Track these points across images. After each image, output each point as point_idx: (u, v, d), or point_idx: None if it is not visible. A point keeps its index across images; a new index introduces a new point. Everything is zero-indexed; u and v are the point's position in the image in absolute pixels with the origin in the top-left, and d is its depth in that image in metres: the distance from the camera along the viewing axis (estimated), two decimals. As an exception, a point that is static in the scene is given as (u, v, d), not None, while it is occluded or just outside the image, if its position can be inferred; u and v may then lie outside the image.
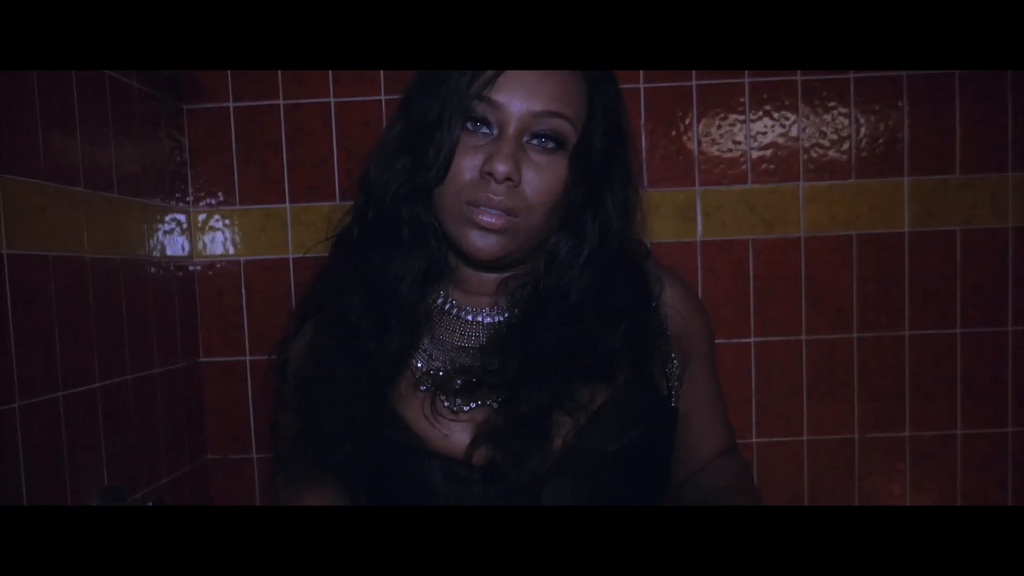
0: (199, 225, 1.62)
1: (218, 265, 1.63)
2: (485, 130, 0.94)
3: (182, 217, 1.58)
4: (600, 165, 0.96)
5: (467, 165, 0.93)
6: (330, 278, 1.01)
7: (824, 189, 1.59)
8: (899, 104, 1.57)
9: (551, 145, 0.94)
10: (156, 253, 1.47)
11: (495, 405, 0.94)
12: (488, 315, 0.99)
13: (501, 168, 0.91)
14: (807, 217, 1.59)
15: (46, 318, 1.12)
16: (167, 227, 1.52)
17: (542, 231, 0.96)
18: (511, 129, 0.93)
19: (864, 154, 1.58)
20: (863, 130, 1.58)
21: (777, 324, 1.61)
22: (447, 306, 1.00)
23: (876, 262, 1.60)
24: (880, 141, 1.58)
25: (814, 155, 1.59)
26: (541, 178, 0.94)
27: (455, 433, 0.94)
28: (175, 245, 1.55)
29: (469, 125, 0.94)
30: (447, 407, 0.95)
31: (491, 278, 1.00)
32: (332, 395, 0.93)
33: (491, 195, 0.92)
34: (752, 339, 1.60)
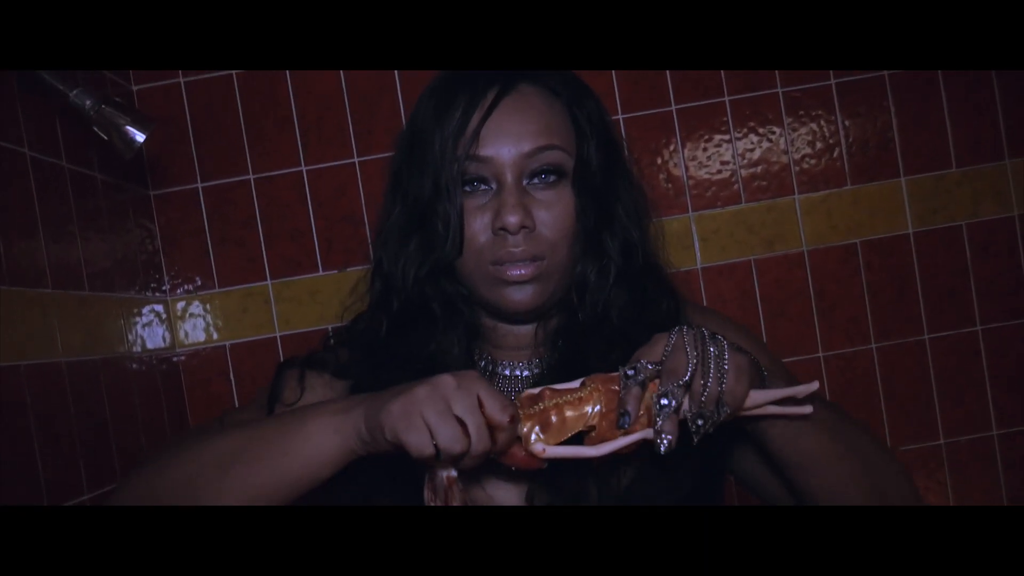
0: (178, 313, 1.55)
1: (202, 353, 1.55)
2: (484, 187, 0.93)
3: (160, 307, 1.51)
4: (603, 181, 0.95)
5: (478, 227, 0.92)
6: (356, 359, 0.98)
7: (821, 199, 1.54)
8: (885, 104, 1.54)
9: (552, 178, 0.93)
10: (137, 348, 1.40)
11: None
12: (532, 367, 0.98)
13: (512, 219, 0.90)
14: (807, 230, 1.54)
15: (24, 431, 1.03)
16: (145, 319, 1.45)
17: (570, 265, 0.95)
18: (508, 178, 0.92)
19: (857, 159, 1.54)
20: (852, 135, 1.54)
21: (791, 344, 1.54)
22: (485, 365, 0.98)
23: (885, 267, 1.54)
24: (871, 144, 1.54)
25: (806, 166, 1.55)
26: (553, 214, 0.92)
27: (506, 495, 0.91)
28: (155, 337, 1.48)
29: (467, 188, 0.93)
30: (493, 464, 0.91)
31: (527, 329, 0.98)
32: (380, 479, 0.90)
33: (511, 249, 0.91)
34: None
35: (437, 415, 0.75)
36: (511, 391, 0.98)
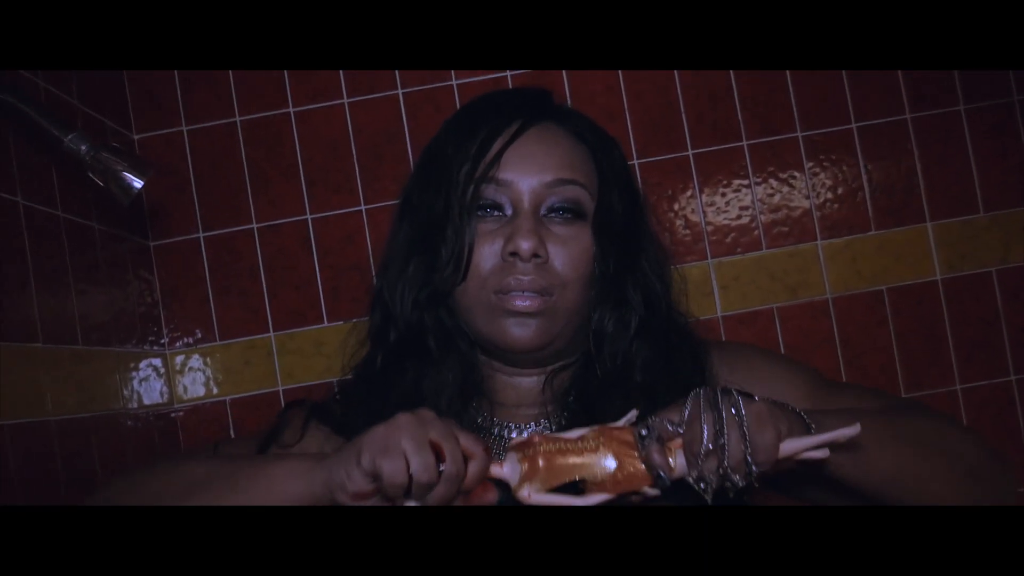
0: (177, 368, 1.49)
1: (202, 408, 1.49)
2: (497, 212, 0.88)
3: (158, 361, 1.45)
4: (626, 228, 0.91)
5: (486, 252, 0.87)
6: (353, 412, 0.93)
7: (844, 245, 1.49)
8: (908, 147, 1.49)
9: (570, 216, 0.89)
10: (133, 404, 1.34)
11: None
12: (535, 429, 0.91)
13: (526, 245, 0.85)
14: (831, 277, 1.48)
15: (6, 496, 0.97)
16: (143, 374, 1.39)
17: (580, 311, 0.90)
18: (526, 204, 0.87)
19: (881, 203, 1.49)
20: (875, 179, 1.50)
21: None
22: (486, 424, 0.91)
23: (913, 315, 1.48)
24: (896, 188, 1.50)
25: (828, 211, 1.50)
26: (569, 251, 0.87)
27: None
28: (153, 393, 1.41)
29: (480, 212, 0.88)
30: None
31: (531, 384, 0.92)
32: None
33: (520, 276, 0.85)
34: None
35: (415, 442, 0.70)
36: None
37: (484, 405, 0.92)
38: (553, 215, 0.88)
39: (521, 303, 0.85)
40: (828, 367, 1.48)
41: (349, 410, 0.94)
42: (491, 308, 0.87)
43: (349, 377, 1.00)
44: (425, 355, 0.90)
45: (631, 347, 0.90)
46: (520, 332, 0.86)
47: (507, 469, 0.74)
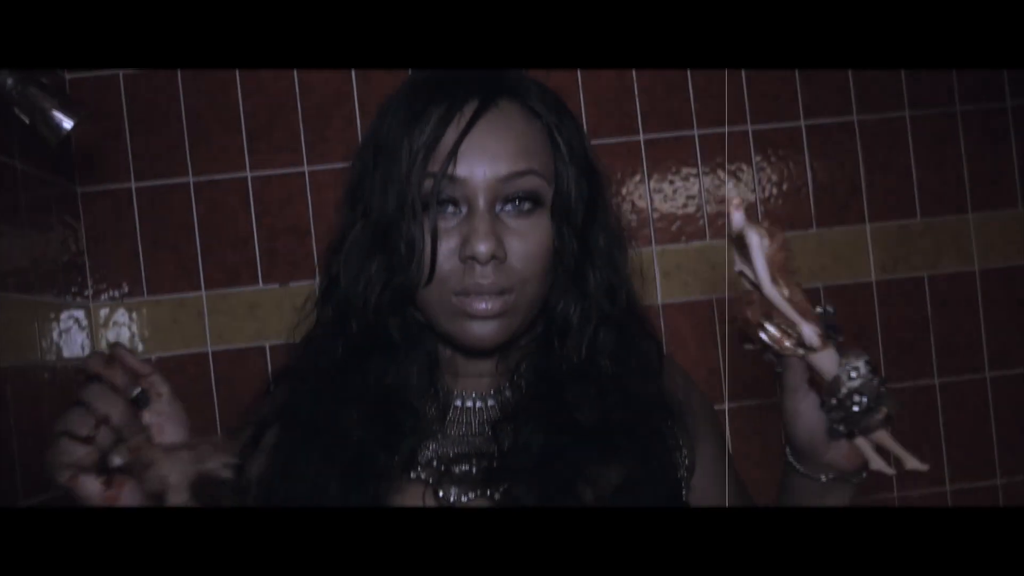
0: (101, 321, 1.43)
1: (125, 366, 1.43)
2: (452, 208, 0.85)
3: (80, 313, 1.39)
4: (585, 212, 0.88)
5: (444, 252, 0.84)
6: (303, 390, 0.90)
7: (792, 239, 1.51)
8: (853, 149, 1.52)
9: (527, 206, 0.86)
10: (51, 356, 1.28)
11: (497, 496, 0.84)
12: (487, 398, 0.91)
13: (483, 248, 0.82)
14: (771, 271, 1.50)
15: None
16: (63, 325, 1.33)
17: (540, 300, 0.88)
18: (481, 202, 0.84)
19: (823, 202, 1.52)
20: (819, 177, 1.52)
21: (750, 387, 1.50)
22: (444, 396, 0.91)
23: (846, 314, 1.51)
24: (838, 188, 1.52)
25: (771, 206, 1.51)
26: (527, 245, 0.85)
27: (472, 492, 0.85)
28: (73, 345, 1.35)
29: (435, 208, 0.84)
30: (442, 498, 0.85)
31: (489, 362, 0.91)
32: (325, 471, 0.84)
33: (479, 280, 0.83)
34: (727, 405, 1.49)
35: (63, 418, 0.70)
36: (468, 423, 0.91)
37: (443, 376, 0.92)
38: (509, 208, 0.85)
39: (482, 306, 0.84)
40: (761, 360, 1.50)
41: (297, 397, 0.91)
42: (451, 310, 0.85)
43: (291, 345, 0.96)
44: (390, 347, 0.88)
45: (596, 337, 0.89)
46: (482, 332, 0.85)
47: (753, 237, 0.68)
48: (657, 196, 1.50)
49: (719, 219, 1.51)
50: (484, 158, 0.84)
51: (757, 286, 0.70)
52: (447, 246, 0.84)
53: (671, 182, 1.50)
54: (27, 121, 1.02)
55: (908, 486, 1.52)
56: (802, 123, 1.51)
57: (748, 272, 0.70)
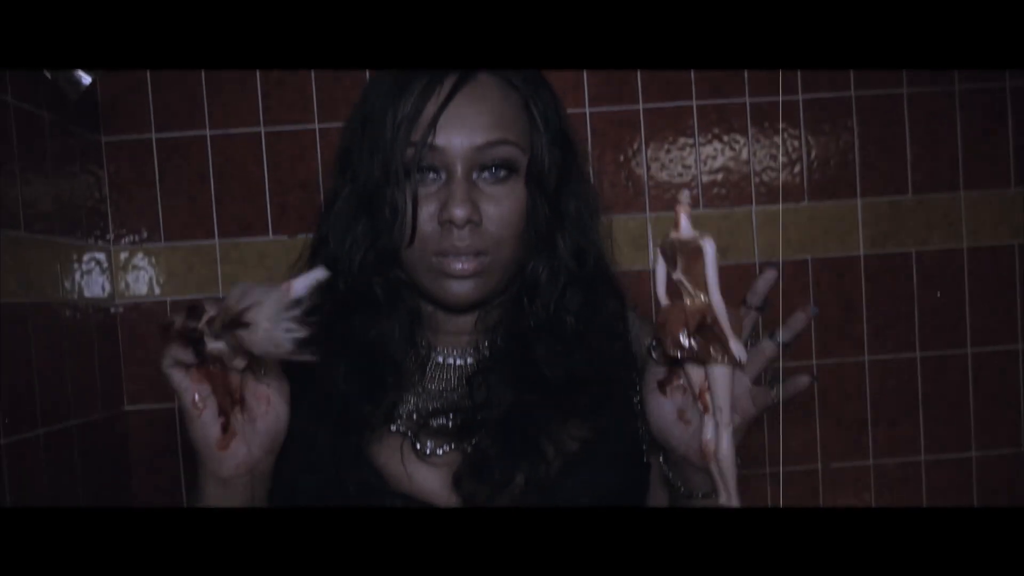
0: (121, 264, 1.51)
1: (142, 306, 1.52)
2: (432, 175, 0.91)
3: (102, 256, 1.48)
4: (558, 179, 0.94)
5: (424, 216, 0.90)
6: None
7: (777, 213, 1.55)
8: (849, 125, 1.55)
9: (502, 174, 0.91)
10: (73, 295, 1.37)
11: (469, 448, 0.90)
12: (465, 355, 0.97)
13: (459, 212, 0.88)
14: (761, 242, 1.54)
15: (-62, 372, 1.01)
16: (86, 267, 1.42)
17: (515, 261, 0.94)
18: (458, 170, 0.90)
19: (816, 176, 1.55)
20: (814, 152, 1.55)
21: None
22: (424, 351, 0.97)
23: (833, 286, 1.55)
24: (832, 163, 1.55)
25: (766, 178, 1.55)
26: (501, 210, 0.91)
27: (428, 479, 0.91)
28: (95, 286, 1.44)
29: (417, 175, 0.90)
30: (419, 451, 0.91)
31: (467, 319, 0.97)
32: (309, 461, 0.90)
33: (456, 242, 0.89)
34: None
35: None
36: (447, 379, 0.97)
37: (426, 336, 0.98)
38: (486, 175, 0.91)
39: (458, 267, 0.90)
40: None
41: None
42: (431, 269, 0.91)
43: None
44: (374, 304, 0.94)
45: (563, 296, 0.94)
46: (460, 290, 0.91)
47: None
48: (654, 164, 1.54)
49: (713, 189, 1.55)
50: (462, 129, 0.89)
51: (693, 295, 0.70)
52: (427, 210, 0.90)
53: (667, 151, 1.54)
54: (49, 77, 1.10)
55: (884, 455, 1.58)
56: (800, 97, 1.54)
57: (687, 281, 0.70)
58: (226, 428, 0.78)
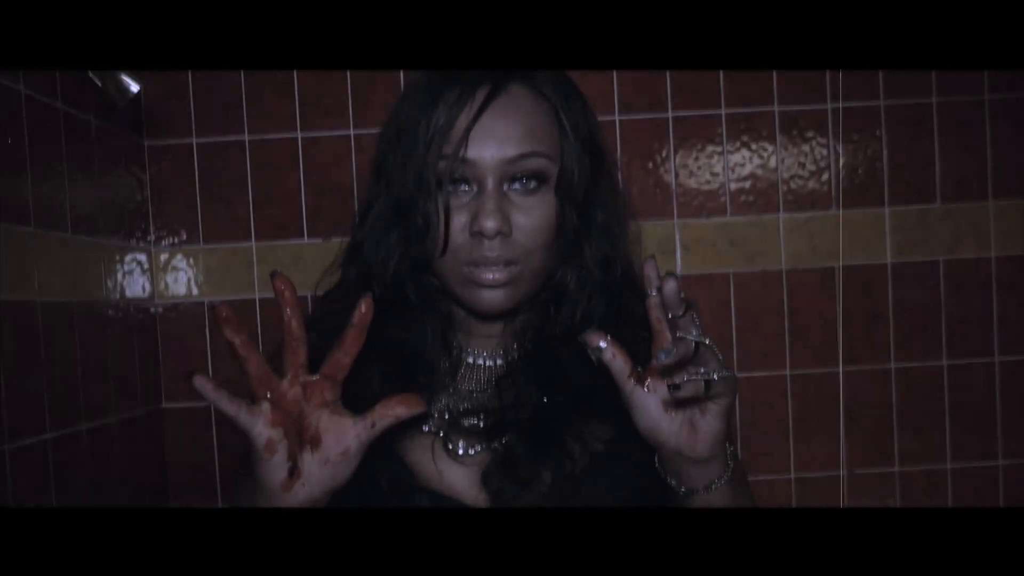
0: (161, 265, 1.56)
1: (181, 307, 1.56)
2: (464, 187, 0.94)
3: (143, 257, 1.52)
4: (587, 188, 0.96)
5: (456, 226, 0.93)
6: (328, 345, 0.97)
7: (804, 220, 1.56)
8: (877, 134, 1.55)
9: (533, 185, 0.94)
10: (115, 295, 1.41)
11: (499, 447, 0.93)
12: (496, 357, 1.00)
13: (490, 224, 0.91)
14: (788, 249, 1.56)
15: (-9, 367, 1.05)
16: (127, 268, 1.46)
17: (544, 269, 0.97)
18: (489, 182, 0.92)
19: (844, 185, 1.56)
20: (842, 160, 1.56)
21: (760, 359, 1.56)
22: (456, 353, 1.00)
23: (860, 294, 1.56)
24: (860, 171, 1.56)
25: (793, 186, 1.56)
26: (531, 221, 0.93)
27: (459, 477, 0.94)
28: (135, 286, 1.49)
29: (449, 187, 0.93)
30: (451, 450, 0.94)
31: (498, 324, 1.00)
32: None
33: (486, 253, 0.92)
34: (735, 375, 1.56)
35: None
36: (478, 379, 0.99)
37: (459, 338, 1.01)
38: (516, 186, 0.93)
39: (489, 276, 0.92)
40: (773, 334, 1.56)
41: (321, 345, 0.98)
42: (463, 278, 0.94)
43: (319, 312, 1.04)
44: (407, 310, 0.97)
45: (589, 303, 0.97)
46: (491, 298, 0.94)
47: None
48: (682, 171, 1.56)
49: (740, 196, 1.56)
50: (493, 141, 0.91)
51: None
52: (459, 221, 0.93)
53: (696, 159, 1.56)
54: (99, 84, 1.14)
55: (909, 462, 1.58)
56: (828, 105, 1.55)
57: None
58: (292, 472, 0.78)
